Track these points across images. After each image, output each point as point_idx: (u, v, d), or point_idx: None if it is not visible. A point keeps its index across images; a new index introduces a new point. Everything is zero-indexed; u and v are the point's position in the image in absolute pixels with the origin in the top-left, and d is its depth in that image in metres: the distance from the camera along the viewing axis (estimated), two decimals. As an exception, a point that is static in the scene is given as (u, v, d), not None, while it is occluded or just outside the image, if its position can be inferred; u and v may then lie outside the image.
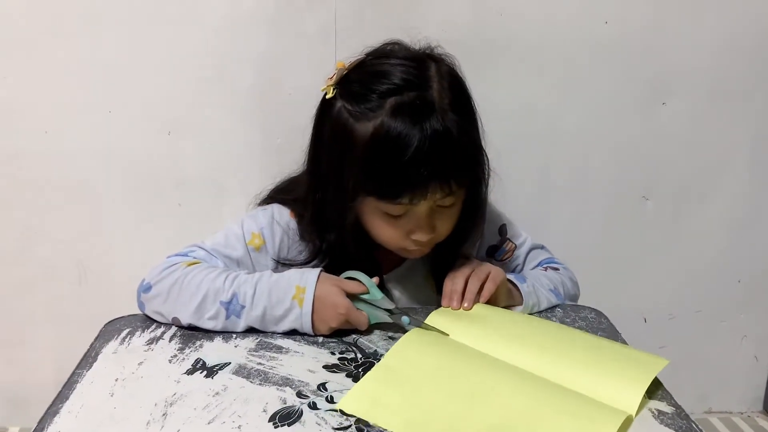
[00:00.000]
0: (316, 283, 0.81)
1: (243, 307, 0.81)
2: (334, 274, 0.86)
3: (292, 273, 0.83)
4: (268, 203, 0.96)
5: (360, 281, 0.85)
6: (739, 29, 1.16)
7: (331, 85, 0.82)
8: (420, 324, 0.83)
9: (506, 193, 1.16)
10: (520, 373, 0.74)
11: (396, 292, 0.96)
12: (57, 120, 1.14)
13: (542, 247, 1.05)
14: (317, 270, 0.83)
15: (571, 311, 0.94)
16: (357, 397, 0.71)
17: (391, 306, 0.84)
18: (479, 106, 1.08)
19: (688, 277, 1.33)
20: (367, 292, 0.84)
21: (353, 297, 0.83)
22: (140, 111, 1.14)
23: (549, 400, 0.69)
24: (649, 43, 1.15)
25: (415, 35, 0.83)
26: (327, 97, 0.83)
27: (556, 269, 0.99)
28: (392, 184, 0.77)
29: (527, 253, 1.03)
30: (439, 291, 0.95)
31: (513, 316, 0.87)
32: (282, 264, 0.92)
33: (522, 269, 1.02)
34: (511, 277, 0.90)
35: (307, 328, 0.81)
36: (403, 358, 0.77)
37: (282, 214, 0.93)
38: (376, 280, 0.84)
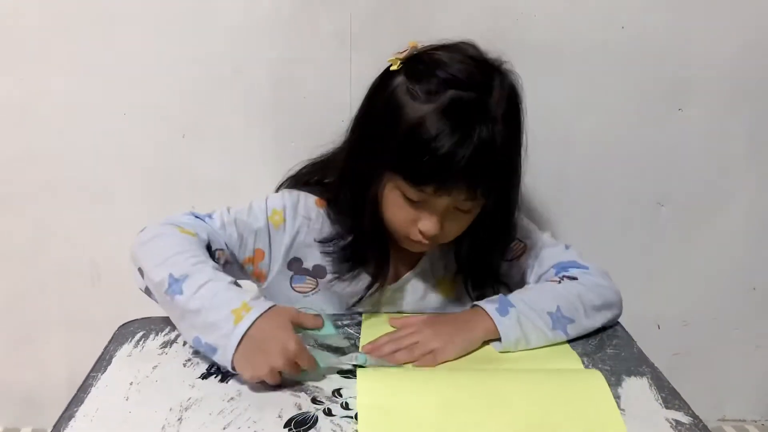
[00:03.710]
0: (266, 312, 0.73)
1: (181, 293, 0.74)
2: (348, 268, 0.89)
3: (247, 293, 0.76)
4: (294, 187, 0.95)
5: (314, 314, 0.79)
6: (756, 35, 1.15)
7: (400, 59, 0.83)
8: (381, 362, 0.78)
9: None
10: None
11: (407, 295, 0.96)
12: (71, 120, 1.14)
13: (567, 248, 0.98)
14: (271, 303, 0.75)
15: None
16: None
17: (345, 344, 0.80)
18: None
19: (702, 284, 1.31)
20: (321, 328, 0.78)
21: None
22: (154, 113, 1.14)
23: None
24: (665, 48, 1.14)
25: (481, 44, 0.85)
26: (391, 68, 0.83)
27: (573, 278, 0.91)
28: (422, 170, 0.77)
29: (537, 256, 0.97)
30: (451, 296, 0.97)
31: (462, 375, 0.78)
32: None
33: (530, 275, 0.98)
34: (491, 307, 0.84)
35: (227, 354, 0.71)
36: (382, 396, 0.71)
37: (308, 201, 0.92)
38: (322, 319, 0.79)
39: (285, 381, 0.74)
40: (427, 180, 0.78)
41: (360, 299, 0.92)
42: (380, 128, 0.82)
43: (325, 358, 0.77)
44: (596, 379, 0.73)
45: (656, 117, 1.19)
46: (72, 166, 1.17)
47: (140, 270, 0.82)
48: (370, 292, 0.91)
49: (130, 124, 1.14)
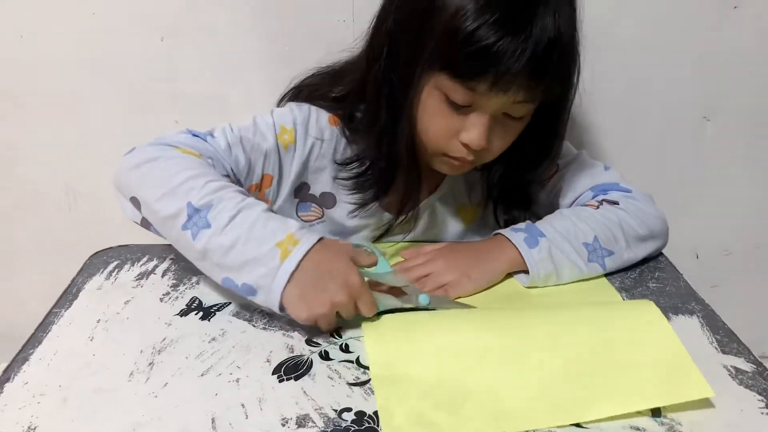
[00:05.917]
0: (316, 244, 0.63)
1: (208, 226, 0.63)
2: (372, 197, 0.78)
3: (292, 221, 0.66)
4: (299, 100, 0.82)
5: (367, 249, 0.70)
6: None
7: None
8: (445, 302, 0.70)
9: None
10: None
11: (422, 223, 0.86)
12: (33, 23, 1.01)
13: (607, 168, 0.87)
14: (318, 234, 0.66)
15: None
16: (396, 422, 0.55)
17: (404, 283, 0.70)
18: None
19: (747, 209, 1.20)
20: (375, 265, 0.69)
21: None
22: (128, 12, 1.00)
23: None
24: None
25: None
26: None
27: (614, 203, 0.80)
28: (479, 59, 0.64)
29: (572, 176, 0.85)
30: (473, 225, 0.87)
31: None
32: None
33: (563, 198, 0.87)
34: (517, 237, 0.75)
35: (274, 296, 0.62)
36: (395, 359, 0.61)
37: (320, 117, 0.80)
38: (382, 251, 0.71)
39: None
40: (484, 71, 0.65)
41: (387, 230, 0.82)
42: (417, 18, 0.68)
43: (383, 300, 0.67)
44: (650, 311, 0.63)
45: (707, 15, 1.05)
46: (36, 75, 1.04)
47: (135, 200, 0.69)
48: (398, 222, 0.81)
49: (100, 25, 1.01)
